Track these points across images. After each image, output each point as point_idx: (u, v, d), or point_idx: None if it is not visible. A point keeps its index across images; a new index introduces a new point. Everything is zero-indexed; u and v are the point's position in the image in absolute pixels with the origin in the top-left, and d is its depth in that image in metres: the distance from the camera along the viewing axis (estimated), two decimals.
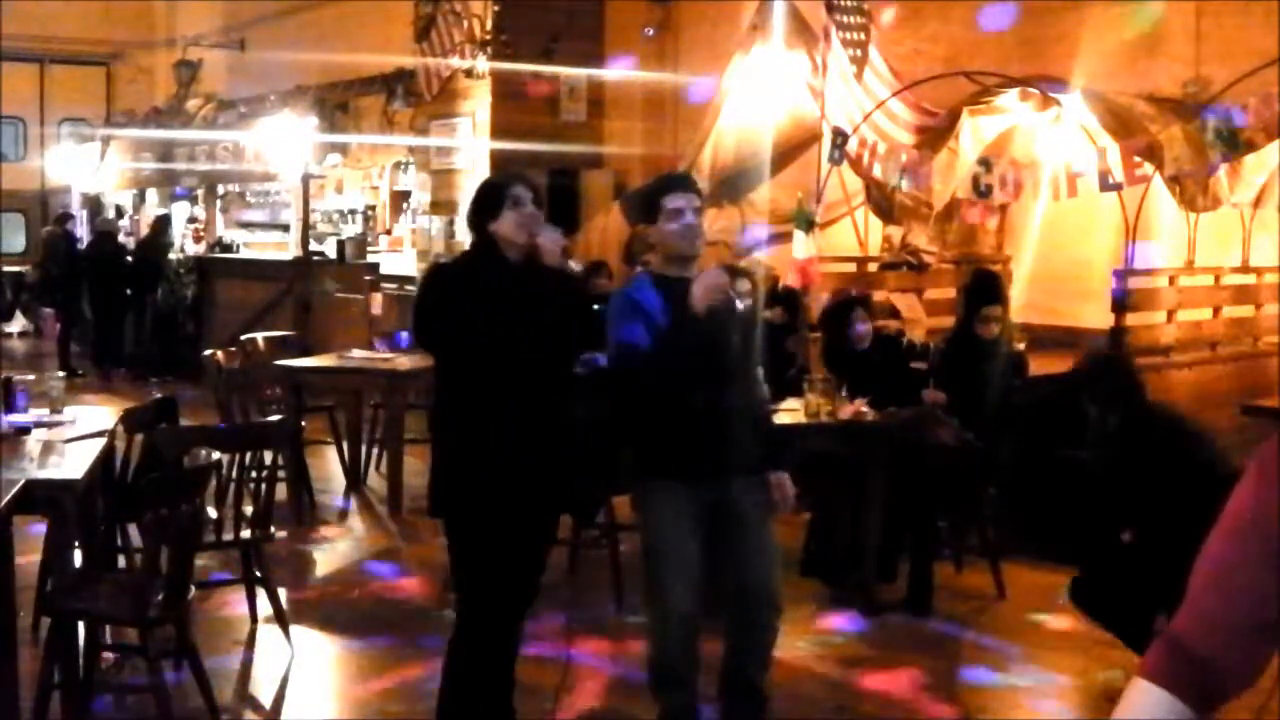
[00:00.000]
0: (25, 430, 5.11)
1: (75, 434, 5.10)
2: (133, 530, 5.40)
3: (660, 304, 4.12)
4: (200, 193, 16.68)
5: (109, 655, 4.92)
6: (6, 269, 17.55)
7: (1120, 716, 1.69)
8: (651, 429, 4.17)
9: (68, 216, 16.63)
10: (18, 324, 17.96)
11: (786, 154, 9.25)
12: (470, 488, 3.75)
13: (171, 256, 14.97)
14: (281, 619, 5.49)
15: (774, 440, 4.40)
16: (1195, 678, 1.65)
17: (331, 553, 7.21)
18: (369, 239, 14.51)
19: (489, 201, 3.86)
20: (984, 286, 6.68)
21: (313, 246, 14.10)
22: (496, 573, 3.76)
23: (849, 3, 8.53)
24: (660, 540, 4.20)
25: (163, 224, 15.43)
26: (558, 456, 3.79)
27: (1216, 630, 1.63)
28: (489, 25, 11.66)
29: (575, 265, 3.80)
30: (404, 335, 8.59)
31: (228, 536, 5.33)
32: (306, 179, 14.13)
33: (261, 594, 5.53)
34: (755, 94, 9.19)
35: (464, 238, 6.95)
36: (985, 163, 9.08)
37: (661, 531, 4.19)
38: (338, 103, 13.82)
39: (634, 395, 4.16)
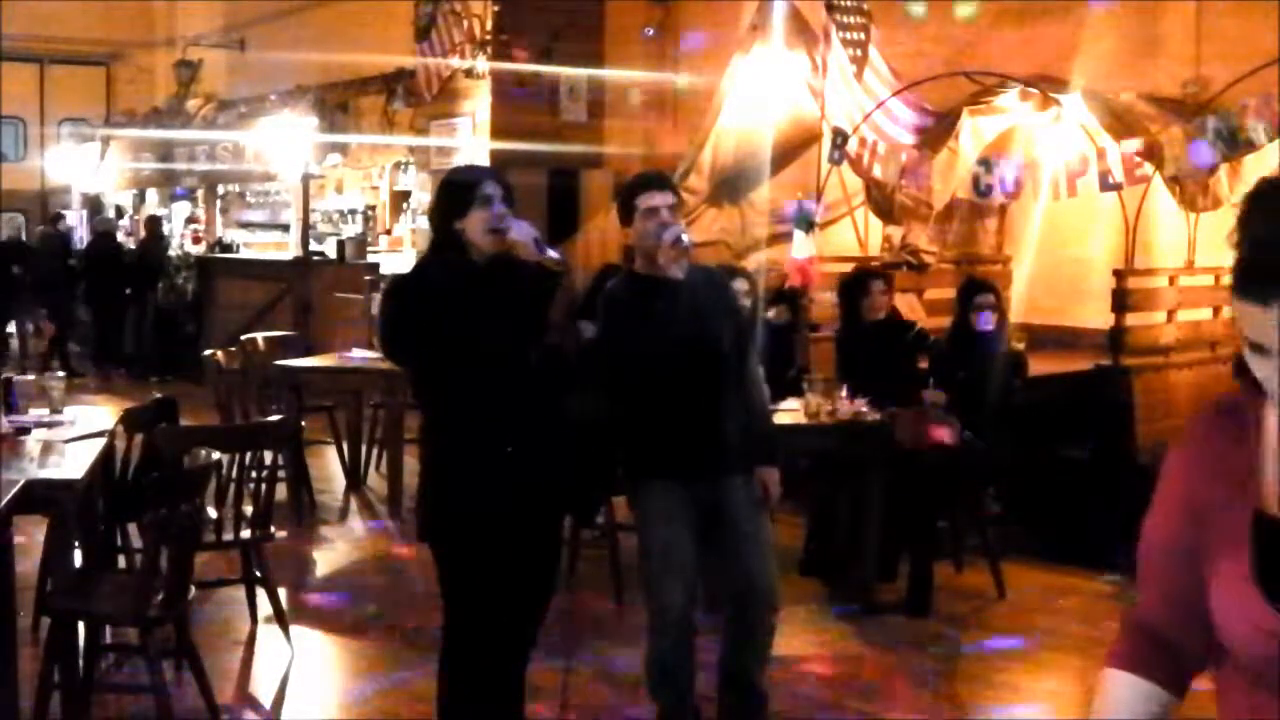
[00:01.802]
0: (25, 430, 5.11)
1: (75, 434, 5.09)
2: (133, 530, 5.41)
3: (640, 304, 4.11)
4: (200, 193, 16.69)
5: (109, 655, 4.92)
6: None
7: (1098, 707, 1.71)
8: (644, 429, 4.16)
9: (59, 216, 16.59)
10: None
11: (786, 154, 9.25)
12: (465, 507, 3.58)
13: (171, 253, 14.98)
14: (281, 619, 5.49)
15: (766, 437, 4.38)
16: (1161, 658, 1.67)
17: (331, 553, 7.20)
18: (369, 239, 14.51)
19: (456, 199, 3.58)
20: (973, 281, 6.94)
21: (313, 246, 14.11)
22: (496, 592, 3.59)
23: (849, 3, 8.53)
24: (654, 540, 4.20)
25: (156, 224, 15.42)
26: (555, 458, 3.66)
27: (1173, 609, 1.65)
28: (489, 25, 11.67)
29: (554, 253, 3.53)
30: None
31: (228, 536, 5.32)
32: (306, 179, 14.13)
33: (261, 594, 5.54)
34: (755, 94, 9.19)
35: None
36: (985, 163, 9.09)
37: (656, 531, 4.19)
38: (338, 103, 13.83)
39: (625, 396, 4.14)
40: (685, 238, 4.13)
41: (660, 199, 4.11)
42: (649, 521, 4.22)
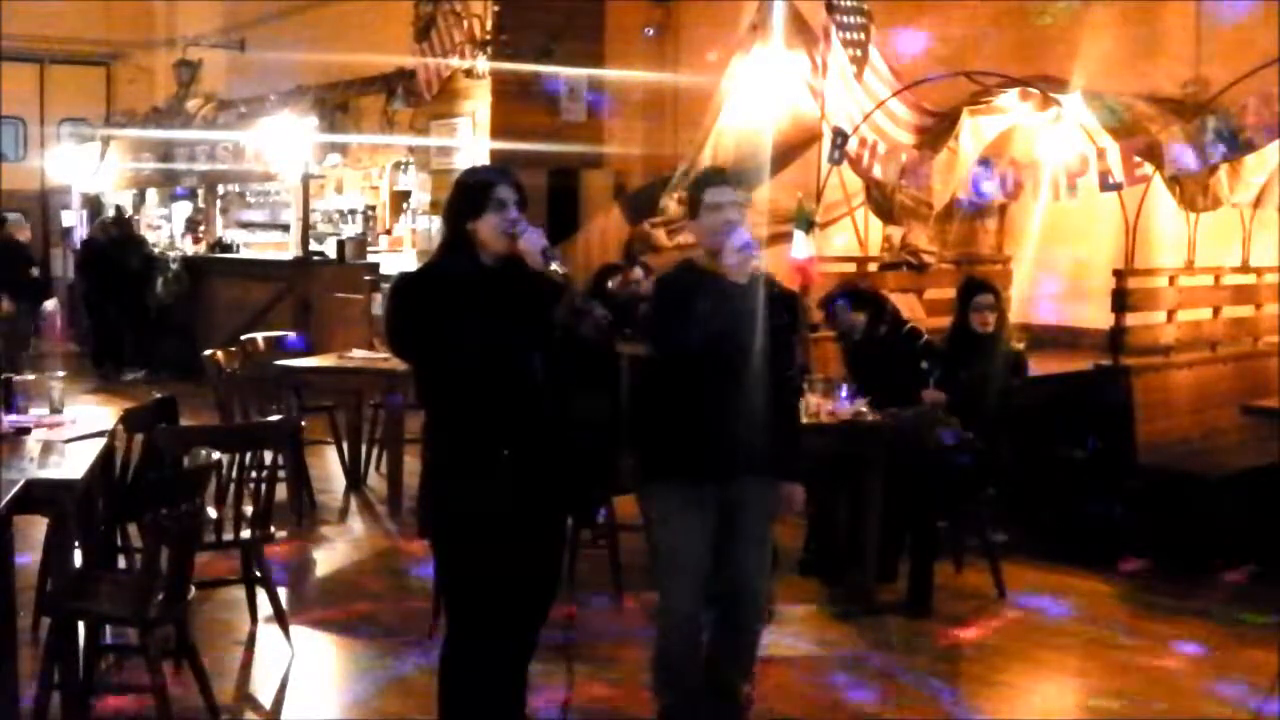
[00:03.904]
0: (25, 430, 5.11)
1: (75, 434, 5.10)
2: (133, 530, 5.41)
3: (692, 296, 4.08)
4: (200, 193, 16.69)
5: (109, 655, 4.92)
6: None
7: None
8: (671, 422, 4.13)
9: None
10: None
11: (786, 154, 9.23)
12: (466, 507, 3.58)
13: (162, 250, 14.93)
14: (281, 619, 5.49)
15: (793, 447, 4.33)
16: None
17: (331, 553, 7.21)
18: (369, 239, 14.51)
19: (471, 199, 3.58)
20: (972, 281, 6.97)
21: (313, 246, 14.11)
22: (498, 593, 3.59)
23: (849, 3, 8.53)
24: (667, 539, 4.19)
25: (120, 223, 15.22)
26: (555, 462, 3.65)
27: None
28: (489, 25, 11.67)
29: (559, 267, 3.50)
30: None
31: (228, 536, 5.33)
32: (306, 179, 14.13)
33: (261, 594, 5.54)
34: (755, 94, 9.18)
35: None
36: (985, 163, 9.08)
37: (669, 530, 4.18)
38: (338, 103, 13.81)
39: (658, 384, 4.11)
40: (753, 245, 4.10)
41: (728, 196, 4.09)
42: (662, 520, 4.21)
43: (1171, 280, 8.01)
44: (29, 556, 5.29)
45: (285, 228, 15.38)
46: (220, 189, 16.43)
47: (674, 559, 4.16)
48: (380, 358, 8.45)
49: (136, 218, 17.64)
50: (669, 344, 4.08)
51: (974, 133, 8.82)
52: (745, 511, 4.19)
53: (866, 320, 6.43)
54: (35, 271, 14.36)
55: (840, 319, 6.45)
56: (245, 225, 16.62)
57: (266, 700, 5.01)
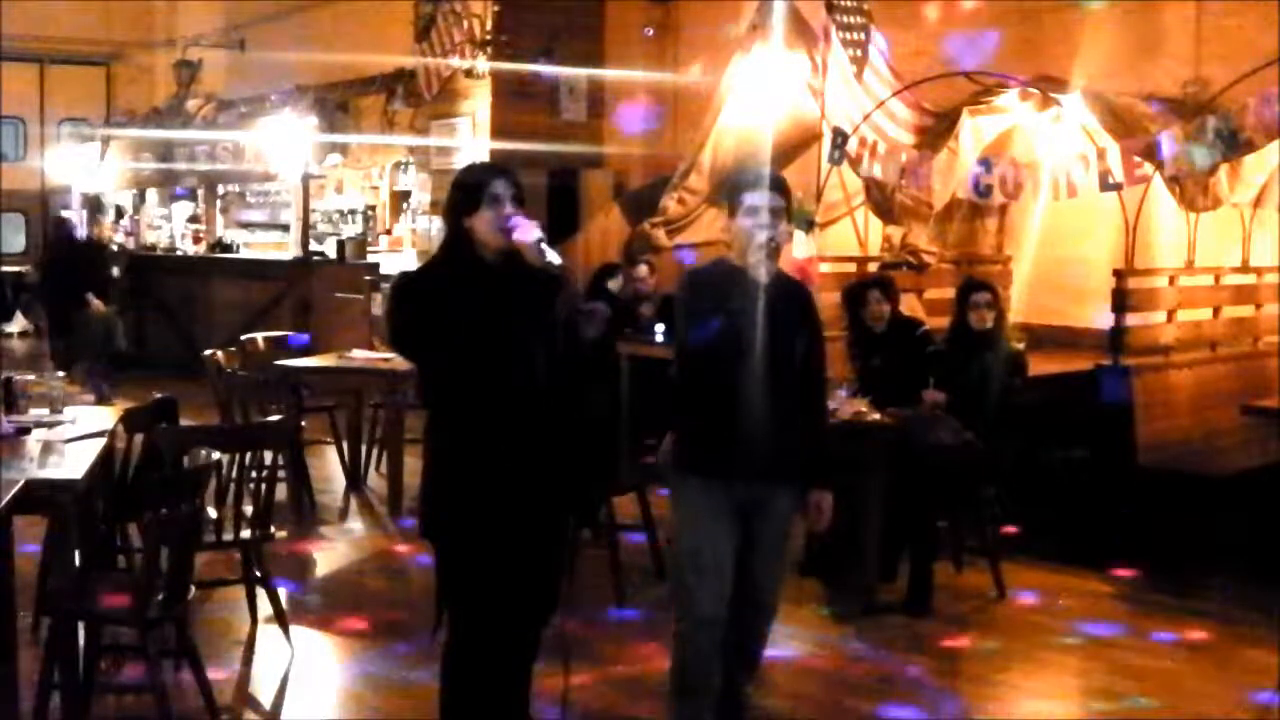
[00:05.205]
0: (25, 430, 5.11)
1: (75, 434, 5.10)
2: (133, 530, 5.41)
3: (722, 291, 4.09)
4: (200, 193, 16.70)
5: (109, 655, 4.91)
6: (6, 269, 17.48)
7: None
8: (698, 419, 4.12)
9: None
10: (18, 324, 17.93)
11: (786, 154, 9.23)
12: (468, 506, 3.57)
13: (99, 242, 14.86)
14: (281, 619, 5.49)
15: (824, 455, 4.31)
16: None
17: (331, 553, 7.21)
18: (369, 239, 14.52)
19: (466, 197, 3.59)
20: (970, 281, 7.00)
21: (313, 246, 14.12)
22: (500, 593, 3.59)
23: (849, 3, 8.52)
24: (688, 541, 4.16)
25: (61, 226, 14.53)
26: (556, 461, 3.65)
27: None
28: (489, 25, 11.68)
29: (554, 257, 3.49)
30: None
31: (228, 536, 5.33)
32: (306, 179, 14.14)
33: (261, 594, 5.54)
34: (755, 94, 9.18)
35: None
36: (985, 163, 9.09)
37: (691, 531, 4.15)
38: (338, 103, 13.83)
39: (691, 387, 4.11)
40: (776, 240, 4.10)
41: (764, 200, 4.09)
42: (685, 521, 4.19)
43: (1171, 280, 8.02)
44: (29, 557, 5.28)
45: (285, 228, 15.40)
46: (220, 189, 16.45)
47: (692, 560, 4.13)
48: (380, 358, 8.45)
49: (136, 218, 17.65)
50: (700, 338, 4.08)
51: (974, 133, 8.83)
52: (767, 514, 4.16)
53: (890, 313, 6.45)
54: (116, 272, 14.20)
55: (872, 309, 6.44)
56: (245, 225, 16.64)
57: (266, 700, 5.01)
